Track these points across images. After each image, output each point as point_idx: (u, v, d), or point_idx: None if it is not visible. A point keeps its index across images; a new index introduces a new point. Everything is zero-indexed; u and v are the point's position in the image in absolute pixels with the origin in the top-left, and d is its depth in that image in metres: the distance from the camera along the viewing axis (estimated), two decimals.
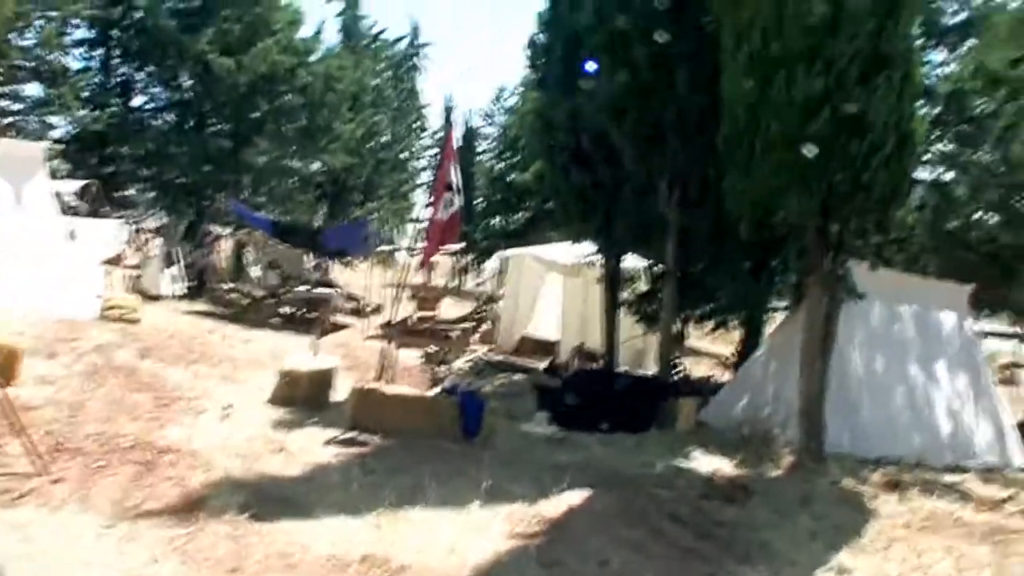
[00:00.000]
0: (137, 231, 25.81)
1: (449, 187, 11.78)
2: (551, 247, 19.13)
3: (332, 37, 38.46)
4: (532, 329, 19.67)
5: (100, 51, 28.47)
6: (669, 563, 6.55)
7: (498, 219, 45.47)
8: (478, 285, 34.25)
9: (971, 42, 14.14)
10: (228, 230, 26.24)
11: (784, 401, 11.03)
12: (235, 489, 7.14)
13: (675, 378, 14.13)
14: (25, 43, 25.79)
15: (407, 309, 13.43)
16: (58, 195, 18.84)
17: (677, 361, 14.82)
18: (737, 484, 8.80)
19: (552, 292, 19.42)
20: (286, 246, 23.33)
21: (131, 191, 30.71)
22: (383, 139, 42.91)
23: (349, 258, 31.83)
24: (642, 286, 15.95)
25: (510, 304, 19.78)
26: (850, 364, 11.24)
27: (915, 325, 12.16)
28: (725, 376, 15.59)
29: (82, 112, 26.56)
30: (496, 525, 6.97)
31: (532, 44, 15.21)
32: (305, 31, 30.79)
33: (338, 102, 31.72)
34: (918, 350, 12.01)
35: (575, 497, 7.89)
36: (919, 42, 10.32)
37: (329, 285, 25.21)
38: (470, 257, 43.19)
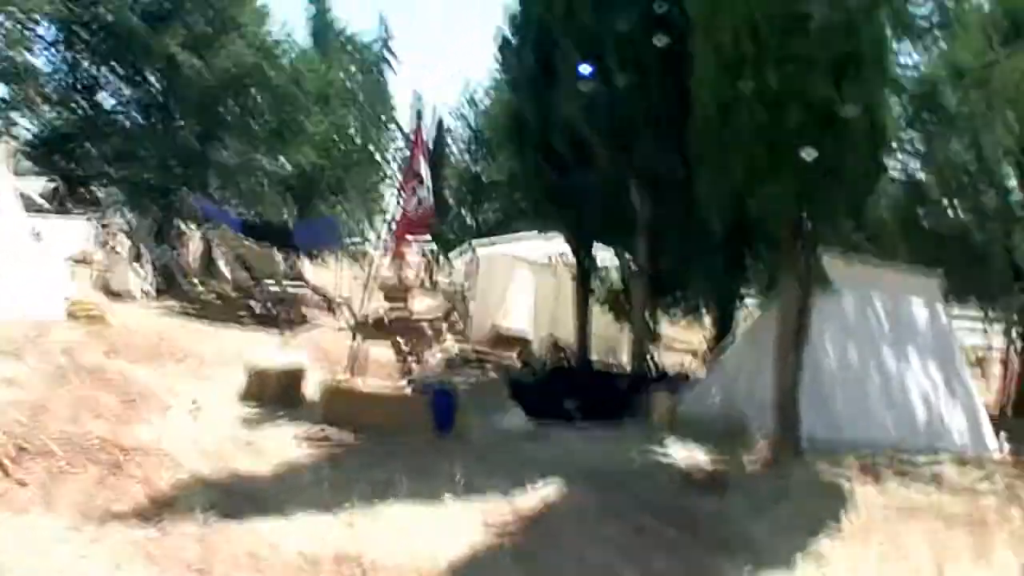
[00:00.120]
0: (104, 230, 25.53)
1: (419, 178, 11.65)
2: (522, 242, 19.08)
3: (301, 35, 38.15)
4: (504, 322, 19.61)
5: (65, 49, 28.16)
6: (648, 557, 6.46)
7: (468, 215, 45.43)
8: (449, 280, 34.11)
9: (941, 36, 14.23)
10: (196, 228, 25.99)
11: (758, 392, 10.97)
12: (203, 488, 6.99)
13: (649, 371, 14.11)
14: None
15: (378, 304, 13.31)
16: (24, 195, 18.58)
17: (650, 353, 14.80)
18: (715, 476, 8.76)
19: (523, 285, 19.39)
20: (255, 243, 23.12)
21: (98, 190, 30.42)
22: (353, 136, 42.69)
23: (319, 254, 31.71)
24: (614, 281, 15.94)
25: (482, 298, 19.72)
26: (823, 355, 11.21)
27: (887, 314, 12.14)
28: (697, 367, 15.57)
29: (48, 112, 26.25)
30: (471, 521, 6.87)
31: (503, 43, 15.14)
32: (273, 29, 30.60)
33: (306, 99, 31.51)
34: (891, 339, 12.00)
35: (551, 492, 7.82)
36: (889, 34, 10.31)
37: (300, 281, 25.05)
38: (440, 252, 43.10)
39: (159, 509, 6.40)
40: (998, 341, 19.21)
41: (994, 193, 15.06)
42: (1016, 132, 14.23)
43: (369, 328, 12.55)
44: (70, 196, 23.64)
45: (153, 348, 13.38)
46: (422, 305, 22.18)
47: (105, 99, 28.88)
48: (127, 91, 28.89)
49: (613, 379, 13.86)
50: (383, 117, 49.20)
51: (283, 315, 18.30)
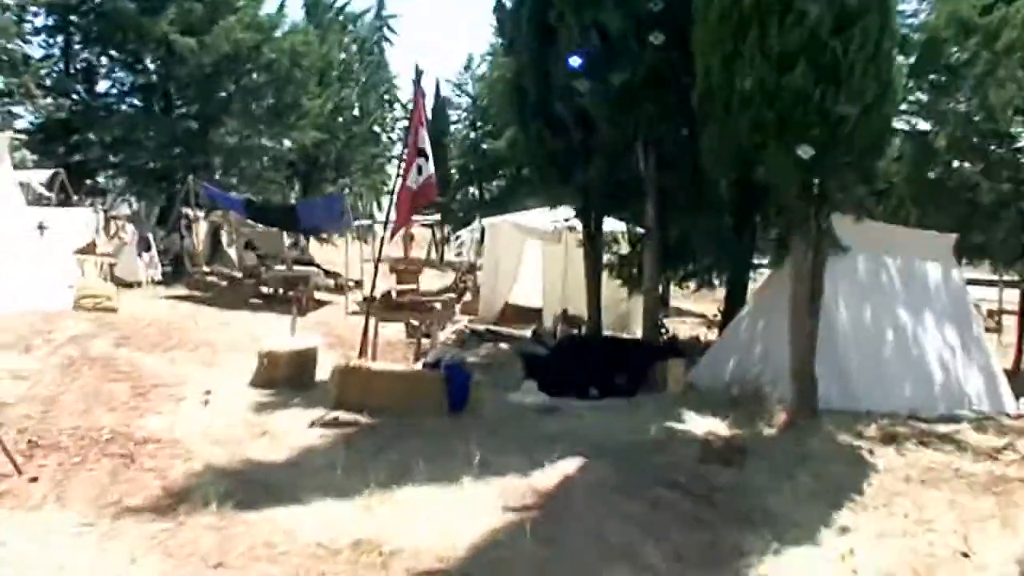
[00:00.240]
0: (109, 218, 25.50)
1: (422, 153, 11.51)
2: (529, 214, 18.96)
3: (296, 13, 37.89)
4: (514, 297, 19.54)
5: (60, 38, 28.05)
6: (668, 532, 6.37)
7: (473, 188, 45.35)
8: (457, 255, 34.04)
9: None
10: (202, 213, 25.93)
11: (773, 359, 10.87)
12: (218, 478, 6.92)
13: (662, 340, 14.02)
14: None
15: (387, 283, 13.23)
16: (25, 185, 18.52)
17: (662, 323, 14.71)
18: (733, 446, 8.63)
19: (532, 258, 19.27)
20: (261, 226, 23.04)
21: (100, 178, 30.40)
22: (353, 113, 42.55)
23: (325, 235, 31.65)
24: (623, 249, 15.78)
25: (490, 273, 19.61)
26: (837, 319, 11.05)
27: (901, 276, 12.00)
28: (710, 335, 15.46)
29: (46, 100, 26.18)
30: (488, 501, 6.78)
31: (499, 7, 14.96)
32: (268, 7, 30.44)
33: (305, 78, 31.37)
34: (905, 301, 11.85)
35: (568, 467, 7.72)
36: None
37: (308, 263, 25.00)
38: (447, 228, 43.04)
39: (174, 501, 6.34)
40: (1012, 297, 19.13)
41: (1004, 149, 14.87)
42: None
43: (380, 308, 12.49)
44: (73, 185, 23.50)
45: (163, 336, 13.34)
46: (432, 283, 22.21)
47: (103, 86, 28.90)
48: (125, 77, 28.85)
49: (627, 350, 13.75)
50: (382, 91, 49.08)
51: (296, 297, 18.23)
